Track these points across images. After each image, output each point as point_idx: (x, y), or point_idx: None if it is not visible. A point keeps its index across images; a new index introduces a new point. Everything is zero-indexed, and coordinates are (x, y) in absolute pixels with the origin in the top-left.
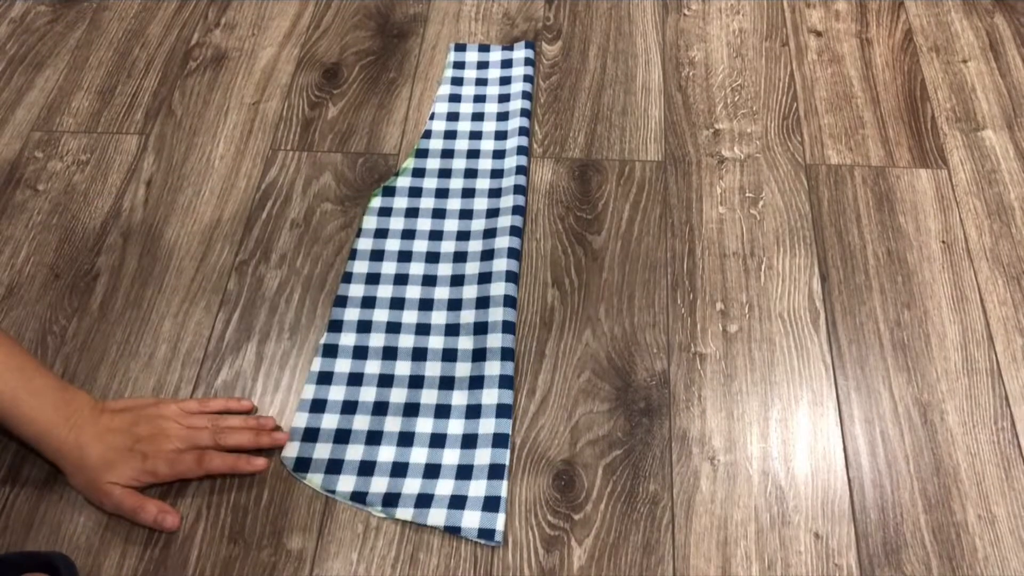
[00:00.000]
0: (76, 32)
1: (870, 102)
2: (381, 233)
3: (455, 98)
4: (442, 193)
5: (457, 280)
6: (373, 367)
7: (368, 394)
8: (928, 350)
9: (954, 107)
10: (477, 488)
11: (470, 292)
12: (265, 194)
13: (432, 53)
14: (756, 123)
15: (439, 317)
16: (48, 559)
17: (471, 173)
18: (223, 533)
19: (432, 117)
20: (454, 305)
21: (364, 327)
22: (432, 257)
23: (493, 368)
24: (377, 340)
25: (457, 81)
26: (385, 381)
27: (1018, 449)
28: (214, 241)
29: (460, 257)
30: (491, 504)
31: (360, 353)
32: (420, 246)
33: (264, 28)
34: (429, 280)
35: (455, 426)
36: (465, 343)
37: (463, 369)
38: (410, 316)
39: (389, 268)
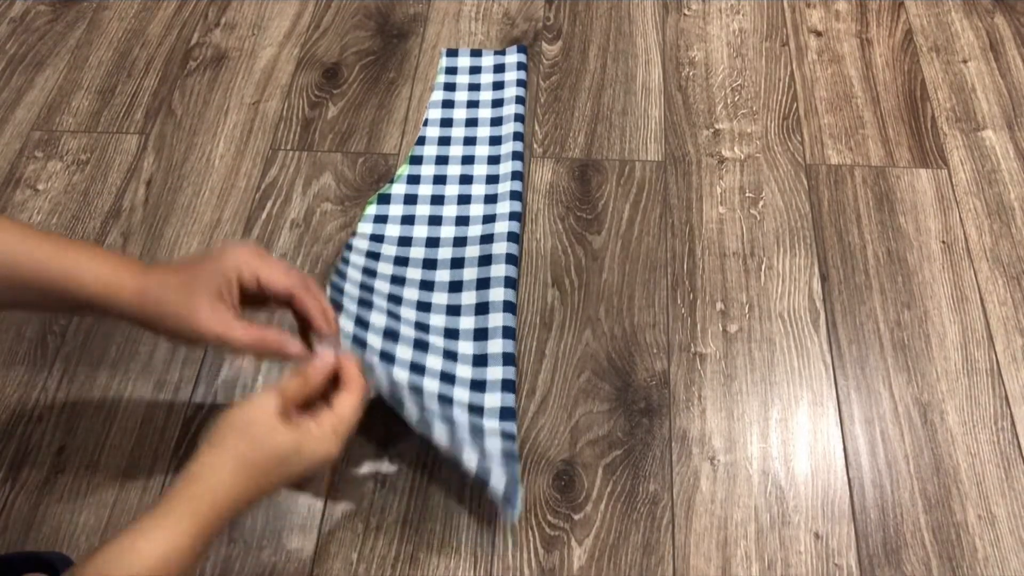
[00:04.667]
0: (76, 32)
1: (870, 102)
2: (376, 239)
3: (448, 104)
4: (438, 200)
5: (455, 286)
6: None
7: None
8: (928, 350)
9: (954, 107)
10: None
11: (469, 298)
12: (265, 194)
13: (432, 53)
14: (756, 123)
15: (438, 320)
16: (48, 559)
17: (466, 179)
18: (223, 533)
19: (426, 123)
20: (452, 311)
21: (359, 341)
22: (429, 264)
23: (495, 373)
24: (374, 341)
25: (450, 87)
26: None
27: (1018, 449)
28: (214, 241)
29: (457, 263)
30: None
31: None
32: (417, 252)
33: (264, 28)
34: (427, 285)
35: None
36: (465, 348)
37: (464, 371)
38: (407, 330)
39: (384, 274)
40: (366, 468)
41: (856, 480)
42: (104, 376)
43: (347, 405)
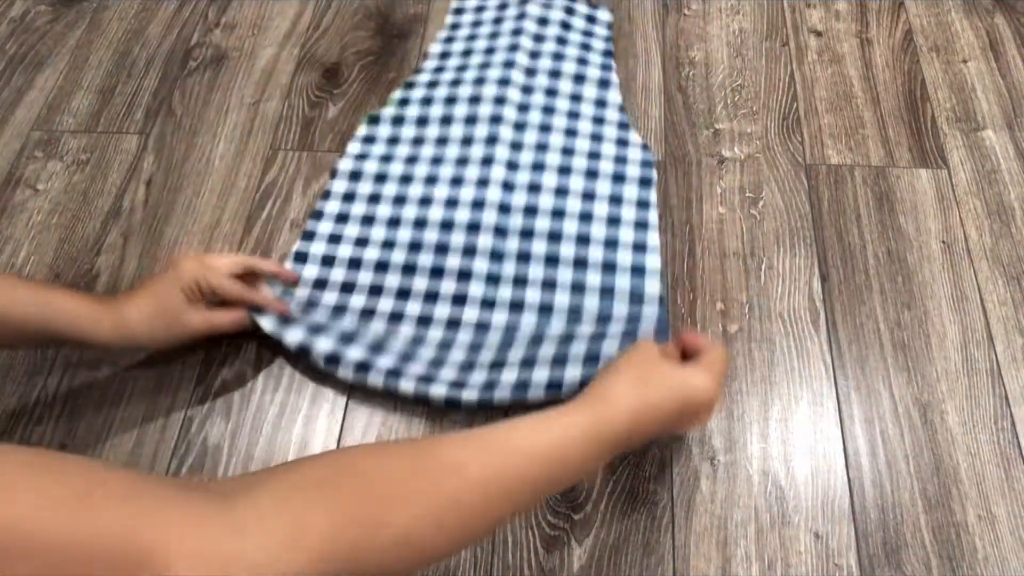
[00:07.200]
0: (76, 32)
1: (870, 102)
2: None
3: (449, 40)
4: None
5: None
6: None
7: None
8: (928, 350)
9: (954, 107)
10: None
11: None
12: (265, 194)
13: None
14: (756, 123)
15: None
16: None
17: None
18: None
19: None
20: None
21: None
22: (420, 222)
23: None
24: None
25: (455, 26)
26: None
27: (1018, 449)
28: (214, 241)
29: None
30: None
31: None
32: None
33: (264, 28)
34: (420, 224)
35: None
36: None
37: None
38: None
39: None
40: None
41: (856, 480)
42: (104, 376)
43: (716, 354)
